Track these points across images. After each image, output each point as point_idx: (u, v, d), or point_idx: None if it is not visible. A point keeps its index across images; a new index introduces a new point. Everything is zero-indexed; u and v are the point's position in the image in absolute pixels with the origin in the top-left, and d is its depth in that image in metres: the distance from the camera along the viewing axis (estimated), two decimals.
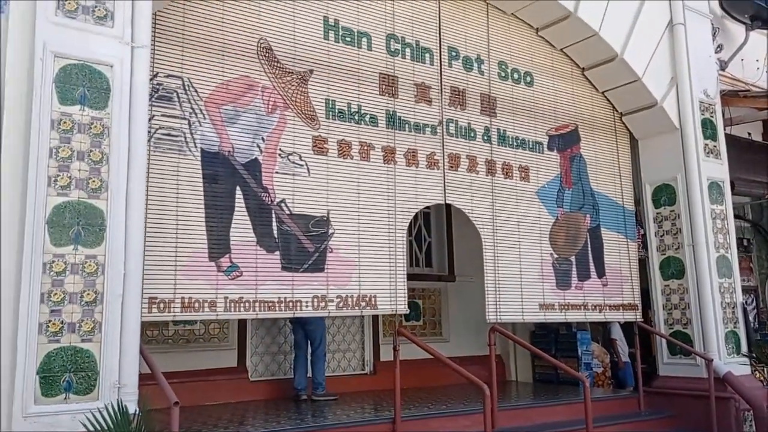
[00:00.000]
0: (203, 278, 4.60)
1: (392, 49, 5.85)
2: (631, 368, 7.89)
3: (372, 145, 5.58)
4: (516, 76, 6.64)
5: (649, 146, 7.28)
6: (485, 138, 6.27)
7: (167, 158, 4.57)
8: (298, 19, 5.35)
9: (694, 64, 7.07)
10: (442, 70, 6.12)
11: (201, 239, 4.65)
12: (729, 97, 7.39)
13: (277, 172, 5.08)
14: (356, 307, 5.24)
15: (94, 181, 3.76)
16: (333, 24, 5.54)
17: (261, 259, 4.88)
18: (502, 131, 6.41)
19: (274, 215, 5.01)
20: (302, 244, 5.10)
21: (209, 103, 4.84)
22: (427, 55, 6.07)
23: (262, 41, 5.14)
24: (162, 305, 4.40)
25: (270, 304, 4.85)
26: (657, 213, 7.18)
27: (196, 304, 4.55)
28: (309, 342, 6.60)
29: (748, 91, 7.63)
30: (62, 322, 3.58)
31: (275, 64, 5.20)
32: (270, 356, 7.15)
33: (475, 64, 6.36)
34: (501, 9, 6.60)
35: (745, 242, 9.52)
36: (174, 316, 4.47)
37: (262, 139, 5.05)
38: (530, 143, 6.60)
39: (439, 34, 6.17)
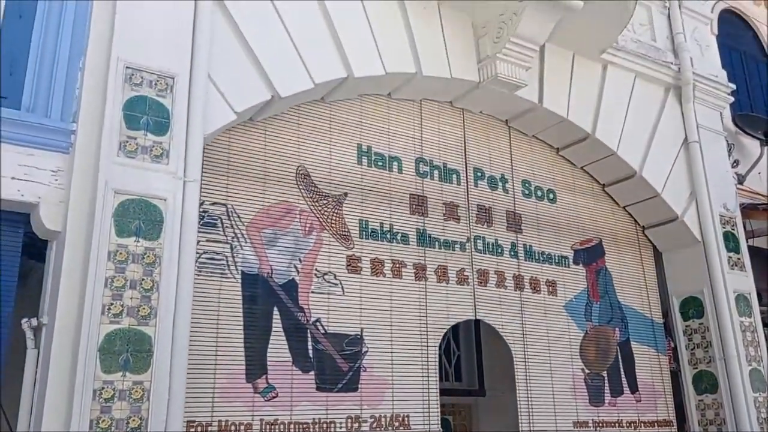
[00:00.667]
0: (240, 400, 4.67)
1: (421, 171, 6.15)
2: None
3: (403, 262, 5.76)
4: (539, 193, 6.89)
5: (673, 259, 7.39)
6: (512, 253, 6.44)
7: (210, 281, 4.77)
8: (334, 146, 5.69)
9: (712, 179, 7.29)
10: (469, 189, 6.38)
11: (239, 361, 4.76)
12: (749, 210, 7.55)
13: (312, 292, 5.24)
14: (389, 428, 5.23)
15: (144, 309, 3.94)
16: (366, 150, 5.87)
17: (296, 379, 4.96)
18: (528, 246, 6.58)
19: (309, 335, 5.13)
20: (336, 364, 5.18)
21: (251, 228, 5.09)
22: (454, 175, 6.35)
23: (300, 168, 5.46)
24: (200, 429, 4.45)
25: (305, 425, 4.88)
26: (686, 326, 7.19)
27: (233, 427, 4.60)
28: None
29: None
30: None
31: (312, 188, 5.49)
32: None
33: (500, 183, 6.63)
34: (522, 131, 6.94)
35: None
36: None
37: (299, 260, 5.25)
38: (556, 257, 6.75)
39: (465, 155, 6.48)
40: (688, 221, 7.14)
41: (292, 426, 4.82)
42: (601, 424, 6.40)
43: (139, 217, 4.03)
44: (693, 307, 7.13)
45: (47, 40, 4.16)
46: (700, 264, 7.11)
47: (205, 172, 4.87)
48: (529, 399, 6.02)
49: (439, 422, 5.46)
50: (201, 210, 4.79)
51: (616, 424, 6.53)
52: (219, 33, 4.78)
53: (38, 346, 3.84)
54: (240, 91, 4.81)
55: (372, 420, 5.17)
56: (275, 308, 5.05)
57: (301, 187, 5.43)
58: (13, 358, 3.89)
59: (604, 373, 6.64)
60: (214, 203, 4.94)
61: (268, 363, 4.88)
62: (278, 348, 4.96)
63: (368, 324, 5.39)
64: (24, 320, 3.88)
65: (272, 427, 4.73)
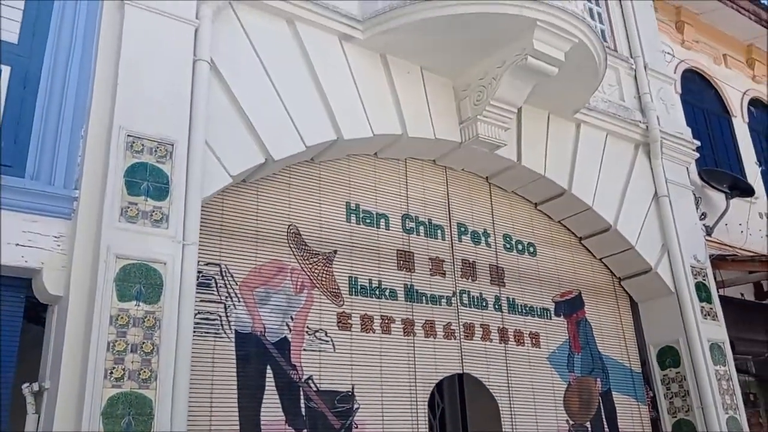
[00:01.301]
0: None
1: (408, 228, 6.34)
2: None
3: (392, 318, 5.88)
4: (520, 247, 7.12)
5: (649, 309, 7.63)
6: (496, 307, 6.61)
7: (204, 342, 4.83)
8: (323, 205, 5.86)
9: (682, 232, 7.61)
10: (453, 244, 6.58)
11: (233, 421, 4.80)
12: (718, 261, 7.87)
13: (304, 350, 5.33)
14: None
15: (144, 372, 3.99)
16: (354, 208, 6.04)
17: None
18: (511, 299, 6.76)
19: (302, 393, 5.19)
20: (329, 422, 5.23)
21: (243, 287, 5.18)
22: (439, 231, 6.55)
23: (291, 227, 5.60)
24: None
25: None
26: (664, 375, 7.38)
27: None
28: None
29: (736, 255, 8.15)
30: None
31: (303, 247, 5.62)
32: None
33: (483, 238, 6.85)
34: (502, 188, 7.20)
35: (752, 397, 9.61)
36: None
37: (291, 318, 5.35)
38: (538, 310, 6.94)
39: (449, 211, 6.70)
40: (661, 272, 7.41)
41: None
42: None
43: (140, 281, 4.11)
44: (670, 356, 7.34)
45: (50, 109, 4.28)
46: (674, 314, 7.35)
47: (200, 233, 4.97)
48: None
49: None
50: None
51: None
52: (215, 99, 4.96)
53: (39, 410, 3.85)
54: (235, 155, 4.97)
55: None
56: (268, 367, 5.11)
57: (292, 245, 5.56)
58: (12, 424, 3.89)
59: (588, 424, 6.77)
60: (207, 263, 5.04)
61: (262, 423, 4.92)
62: (271, 407, 5.00)
63: (359, 380, 5.48)
64: (25, 385, 3.90)
65: None
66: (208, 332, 4.88)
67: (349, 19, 5.91)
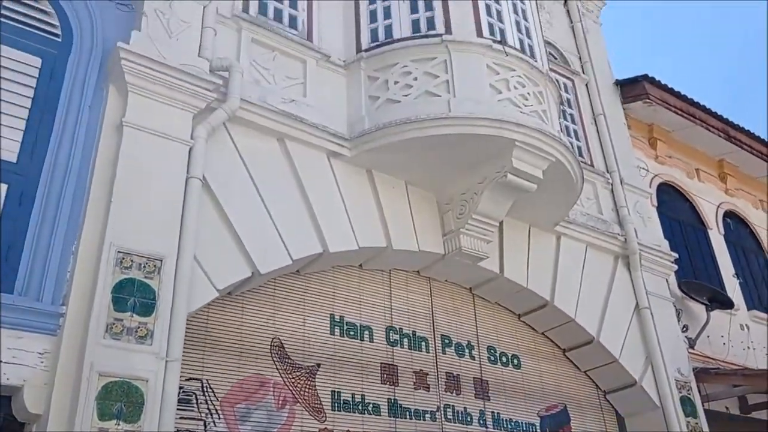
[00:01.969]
0: None
1: (392, 340, 6.36)
2: None
3: None
4: (504, 359, 7.12)
5: (635, 423, 7.55)
6: (481, 422, 6.53)
7: None
8: (308, 317, 5.91)
9: (665, 345, 7.65)
10: (438, 356, 6.58)
11: None
12: (702, 374, 7.87)
13: None
14: None
15: None
16: (339, 320, 6.09)
17: None
18: (496, 414, 6.69)
19: None
20: None
21: (224, 403, 5.13)
22: (423, 343, 6.57)
23: (275, 340, 5.61)
24: None
25: None
26: None
27: None
28: None
29: (719, 368, 8.16)
30: None
31: (286, 360, 5.62)
32: None
33: (467, 350, 6.86)
34: (486, 299, 7.29)
35: None
36: None
37: None
38: (523, 425, 6.85)
39: (433, 323, 6.75)
40: (646, 386, 7.39)
41: None
42: None
43: (121, 399, 4.07)
44: None
45: (44, 226, 4.40)
46: (661, 429, 7.27)
47: (184, 347, 4.97)
48: None
49: None
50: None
51: None
52: (206, 215, 5.11)
53: None
54: (222, 270, 5.07)
55: None
56: None
57: (275, 359, 5.55)
58: None
59: None
60: (189, 378, 5.01)
61: None
62: None
63: None
64: None
65: None
66: None
67: (337, 137, 6.19)
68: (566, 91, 9.16)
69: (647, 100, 9.70)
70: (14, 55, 4.78)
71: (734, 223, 10.89)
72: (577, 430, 7.26)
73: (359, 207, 6.17)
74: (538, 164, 6.34)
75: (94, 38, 5.22)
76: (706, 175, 10.79)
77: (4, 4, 4.92)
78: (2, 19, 4.84)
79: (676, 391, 7.41)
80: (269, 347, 5.56)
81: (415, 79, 6.38)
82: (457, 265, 6.72)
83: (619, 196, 8.56)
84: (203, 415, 4.97)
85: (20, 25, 4.93)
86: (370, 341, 6.21)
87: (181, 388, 4.86)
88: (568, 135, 8.63)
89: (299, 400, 5.53)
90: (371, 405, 5.90)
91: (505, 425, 6.69)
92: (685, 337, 8.24)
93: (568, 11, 10.35)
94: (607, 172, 8.71)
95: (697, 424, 7.39)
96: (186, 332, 4.95)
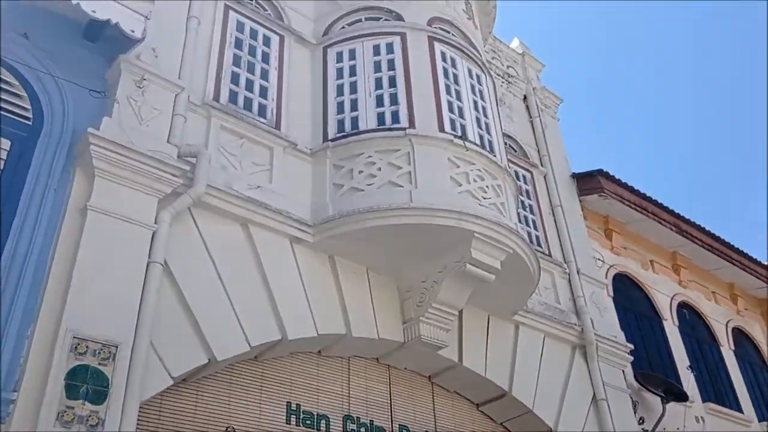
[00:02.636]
0: None
1: (349, 430, 6.28)
2: None
3: None
4: None
5: None
6: None
7: None
8: (263, 405, 5.83)
9: None
10: None
11: None
12: None
13: None
14: None
15: None
16: (295, 408, 6.02)
17: None
18: None
19: None
20: None
21: None
22: None
23: (229, 428, 5.51)
24: None
25: None
26: None
27: None
28: None
29: None
30: None
31: None
32: None
33: None
34: (445, 387, 7.29)
35: None
36: None
37: None
38: None
39: (391, 412, 6.70)
40: None
41: None
42: None
43: None
44: None
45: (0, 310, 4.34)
46: None
47: None
48: None
49: None
50: None
51: None
52: (165, 299, 5.11)
53: None
54: (178, 356, 5.03)
55: None
56: None
57: None
58: None
59: None
60: None
61: None
62: None
63: None
64: None
65: None
66: None
67: (300, 223, 6.31)
68: (525, 182, 9.51)
69: (602, 194, 10.10)
70: None
71: (689, 314, 11.15)
72: None
73: (320, 293, 6.22)
74: (496, 255, 6.52)
75: (65, 122, 5.33)
76: (660, 266, 11.13)
77: None
78: None
79: None
80: None
81: (379, 169, 6.60)
82: (417, 353, 6.75)
83: (576, 287, 8.77)
84: None
85: None
86: (326, 431, 6.12)
87: None
88: (527, 225, 8.91)
89: None
90: None
91: None
92: (642, 429, 8.28)
93: (527, 107, 10.88)
94: (565, 262, 8.95)
95: None
96: (138, 420, 4.87)
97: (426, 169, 6.62)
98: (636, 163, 30.69)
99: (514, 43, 11.75)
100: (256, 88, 6.92)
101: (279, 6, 7.75)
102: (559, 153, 10.51)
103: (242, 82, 6.85)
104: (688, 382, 9.60)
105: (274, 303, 5.80)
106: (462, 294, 6.73)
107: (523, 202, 9.05)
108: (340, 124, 7.06)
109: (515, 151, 9.82)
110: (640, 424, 8.28)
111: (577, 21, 32.83)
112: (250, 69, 7.00)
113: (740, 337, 11.97)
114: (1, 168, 4.85)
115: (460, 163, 6.81)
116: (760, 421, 10.66)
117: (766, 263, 12.57)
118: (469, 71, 7.87)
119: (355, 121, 7.01)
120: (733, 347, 11.48)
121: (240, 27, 7.19)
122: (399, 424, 6.68)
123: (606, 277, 9.73)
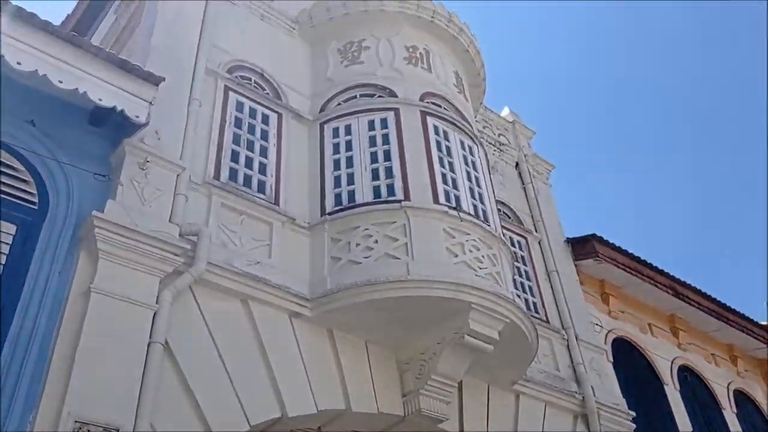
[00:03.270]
0: None
1: None
2: None
3: None
4: None
5: None
6: None
7: None
8: None
9: None
10: None
11: None
12: None
13: None
14: None
15: None
16: None
17: None
18: None
19: None
20: None
21: None
22: None
23: None
24: None
25: None
26: None
27: None
28: None
29: None
30: None
31: None
32: None
33: None
34: None
35: None
36: None
37: None
38: None
39: None
40: None
41: None
42: None
43: None
44: None
45: (2, 395, 4.35)
46: None
47: None
48: None
49: None
50: None
51: None
52: (165, 379, 5.13)
53: None
54: None
55: None
56: None
57: None
58: None
59: None
60: None
61: None
62: None
63: None
64: None
65: None
66: None
67: (299, 298, 6.38)
68: (520, 248, 9.63)
69: (597, 258, 10.20)
70: None
71: (690, 377, 11.08)
72: None
73: (319, 368, 6.24)
74: (494, 325, 6.57)
75: (69, 206, 5.46)
76: (658, 330, 11.13)
77: None
78: None
79: None
80: None
81: (376, 241, 6.72)
82: (418, 425, 6.71)
83: (575, 353, 8.76)
84: None
85: None
86: None
87: None
88: (523, 291, 8.97)
89: None
90: None
91: None
92: None
93: (519, 173, 11.11)
94: (563, 328, 8.96)
95: None
96: None
97: (422, 240, 6.74)
98: (630, 227, 30.98)
99: (505, 112, 12.08)
100: (256, 165, 7.10)
101: (276, 85, 8.02)
102: (553, 218, 10.66)
103: (242, 159, 7.04)
104: None
105: (274, 380, 5.82)
106: (461, 365, 6.74)
107: (518, 268, 9.13)
108: (338, 197, 7.21)
109: (509, 218, 9.97)
110: None
111: (566, 88, 33.71)
112: (250, 147, 7.20)
113: (742, 399, 11.85)
114: (7, 253, 4.94)
115: (456, 234, 6.94)
116: None
117: (764, 323, 12.58)
118: (462, 143, 8.09)
119: (351, 195, 7.17)
120: (735, 410, 11.36)
121: (239, 107, 7.43)
122: None
123: (605, 342, 9.72)
